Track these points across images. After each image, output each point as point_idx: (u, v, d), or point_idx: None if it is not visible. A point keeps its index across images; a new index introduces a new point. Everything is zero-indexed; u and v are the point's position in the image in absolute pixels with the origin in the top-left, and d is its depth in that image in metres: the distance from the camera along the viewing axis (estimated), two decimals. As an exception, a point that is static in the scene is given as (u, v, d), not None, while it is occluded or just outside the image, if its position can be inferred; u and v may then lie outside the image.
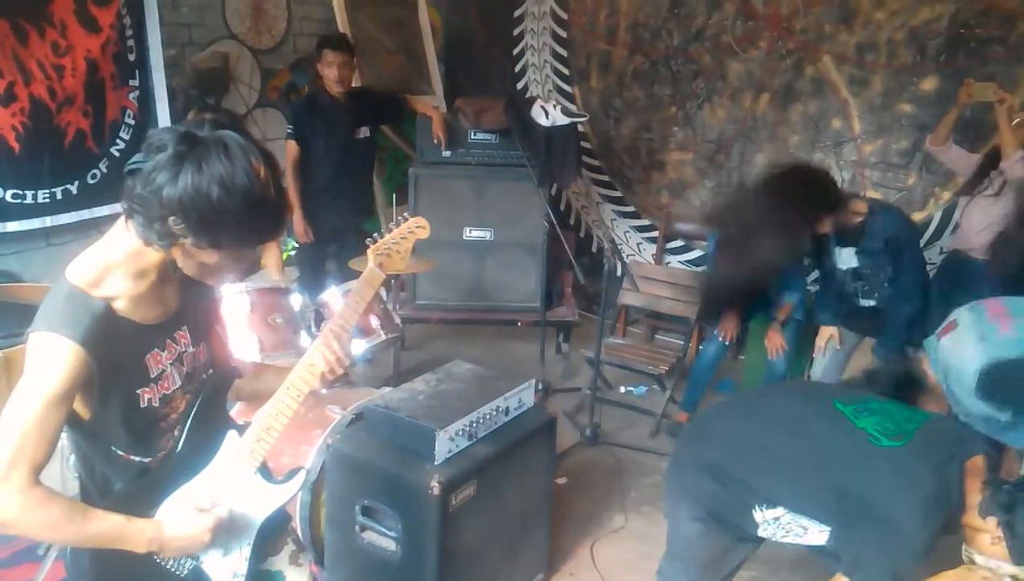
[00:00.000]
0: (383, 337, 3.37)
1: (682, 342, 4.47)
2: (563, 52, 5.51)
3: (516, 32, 5.70)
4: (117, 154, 3.96)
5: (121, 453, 1.47)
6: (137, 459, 1.48)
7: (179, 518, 1.47)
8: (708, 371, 4.09)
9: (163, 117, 4.12)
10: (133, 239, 1.37)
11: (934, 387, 2.16)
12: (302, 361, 1.61)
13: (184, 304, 1.53)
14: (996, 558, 1.75)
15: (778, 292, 3.89)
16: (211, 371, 1.62)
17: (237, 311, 3.12)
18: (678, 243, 5.22)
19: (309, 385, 1.59)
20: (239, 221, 1.33)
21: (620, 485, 3.53)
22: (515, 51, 5.73)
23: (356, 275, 3.49)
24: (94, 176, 3.87)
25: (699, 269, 4.83)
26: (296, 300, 3.30)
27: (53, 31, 3.58)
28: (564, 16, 5.44)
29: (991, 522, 1.73)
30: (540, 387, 4.08)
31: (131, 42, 3.94)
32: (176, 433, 1.54)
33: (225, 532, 1.53)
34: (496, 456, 2.46)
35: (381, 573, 2.42)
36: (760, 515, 2.01)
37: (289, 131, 4.20)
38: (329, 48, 4.10)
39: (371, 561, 2.43)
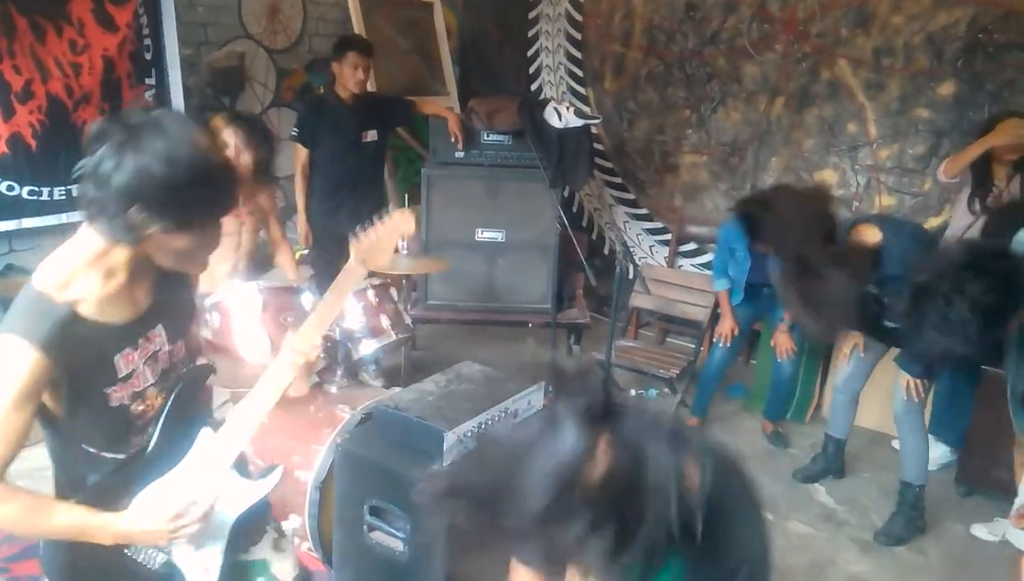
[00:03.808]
0: (394, 337, 3.37)
1: (693, 346, 4.46)
2: (577, 54, 5.50)
3: (531, 34, 5.70)
4: (132, 152, 3.99)
5: (93, 450, 1.48)
6: (110, 456, 1.50)
7: (144, 510, 1.47)
8: (716, 377, 4.08)
9: (178, 116, 4.16)
10: (99, 239, 1.37)
11: None
12: (278, 357, 1.61)
13: (158, 302, 1.53)
14: None
15: None
16: (187, 368, 1.62)
17: (249, 310, 3.13)
18: (691, 246, 5.20)
19: (286, 378, 1.59)
20: (193, 193, 1.32)
21: (629, 488, 3.51)
22: (529, 52, 5.73)
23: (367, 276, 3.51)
24: (110, 174, 3.91)
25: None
26: (308, 299, 3.30)
27: (71, 29, 3.62)
28: (579, 18, 5.44)
29: None
30: (550, 389, 4.07)
31: (148, 41, 3.98)
32: (150, 429, 1.54)
33: (195, 526, 1.53)
34: (505, 458, 2.45)
35: (388, 573, 2.42)
36: None
37: (294, 133, 4.23)
38: (355, 51, 4.09)
39: (379, 561, 2.42)
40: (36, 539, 1.46)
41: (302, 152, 4.22)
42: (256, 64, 4.72)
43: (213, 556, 1.59)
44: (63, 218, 3.75)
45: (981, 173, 3.55)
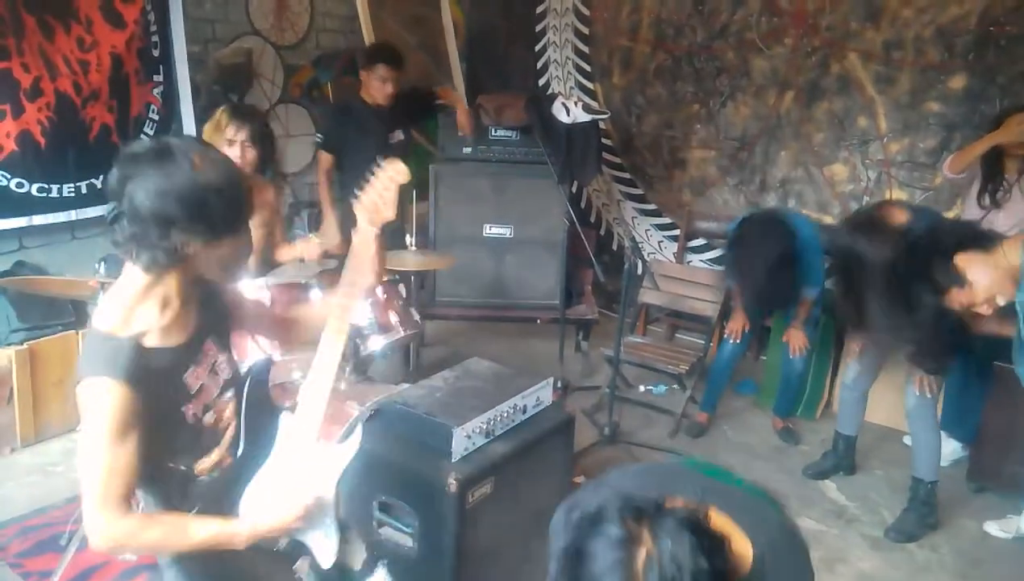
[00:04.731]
0: (402, 333, 3.37)
1: (703, 341, 4.44)
2: (585, 49, 5.48)
3: (538, 29, 5.68)
4: (141, 149, 4.00)
5: (179, 467, 1.57)
6: (186, 468, 1.58)
7: (263, 508, 1.57)
8: (725, 372, 4.06)
9: (187, 112, 4.16)
10: (144, 274, 1.47)
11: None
12: (327, 327, 1.71)
13: (204, 317, 1.62)
14: None
15: (796, 288, 3.82)
16: (247, 368, 1.70)
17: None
18: (699, 242, 5.18)
19: (339, 345, 1.70)
20: (221, 201, 1.44)
21: (638, 485, 3.51)
22: (537, 48, 5.71)
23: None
24: (118, 171, 3.91)
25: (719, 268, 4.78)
26: (316, 296, 3.30)
27: (79, 26, 3.62)
28: (587, 12, 5.42)
29: None
30: (559, 385, 4.06)
31: (155, 38, 3.98)
32: (232, 432, 1.63)
33: (309, 505, 1.61)
34: (513, 454, 2.45)
35: (398, 569, 2.41)
36: None
37: (319, 141, 4.25)
38: (386, 64, 4.08)
39: (388, 557, 2.42)
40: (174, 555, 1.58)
41: (327, 158, 4.20)
42: (264, 60, 4.72)
43: (327, 523, 1.69)
44: (72, 215, 3.77)
45: (992, 167, 3.51)
